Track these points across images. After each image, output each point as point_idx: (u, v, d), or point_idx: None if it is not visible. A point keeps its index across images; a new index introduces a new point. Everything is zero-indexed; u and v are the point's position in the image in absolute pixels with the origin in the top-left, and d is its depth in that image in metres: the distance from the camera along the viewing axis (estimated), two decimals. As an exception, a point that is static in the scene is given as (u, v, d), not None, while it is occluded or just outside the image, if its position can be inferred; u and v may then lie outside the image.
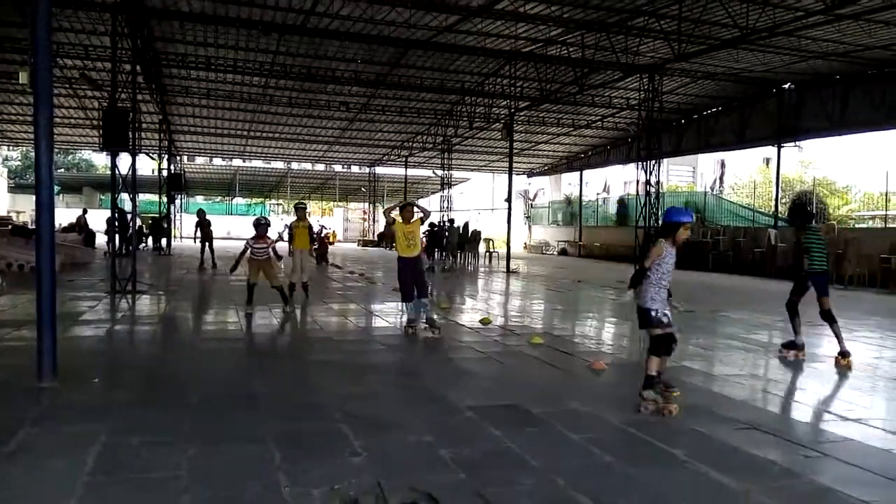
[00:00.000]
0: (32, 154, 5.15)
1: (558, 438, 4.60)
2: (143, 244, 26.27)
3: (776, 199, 24.18)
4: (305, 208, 12.20)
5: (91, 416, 4.68)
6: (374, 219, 43.75)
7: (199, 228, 18.97)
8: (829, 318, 7.33)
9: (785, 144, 23.39)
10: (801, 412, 5.56)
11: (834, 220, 23.36)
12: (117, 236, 17.47)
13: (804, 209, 8.58)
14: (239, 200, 52.43)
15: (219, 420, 4.76)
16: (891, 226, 20.72)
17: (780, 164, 24.18)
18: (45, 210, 5.53)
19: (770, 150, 26.42)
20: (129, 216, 24.17)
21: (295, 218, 11.70)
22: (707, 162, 43.00)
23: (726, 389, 6.19)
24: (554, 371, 6.93)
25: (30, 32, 5.66)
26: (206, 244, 18.75)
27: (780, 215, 23.97)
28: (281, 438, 4.34)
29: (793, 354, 7.61)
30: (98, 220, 28.66)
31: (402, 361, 7.16)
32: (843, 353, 7.27)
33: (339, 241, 42.34)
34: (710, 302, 13.46)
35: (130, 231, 14.81)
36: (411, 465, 3.96)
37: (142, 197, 42.40)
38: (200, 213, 19.62)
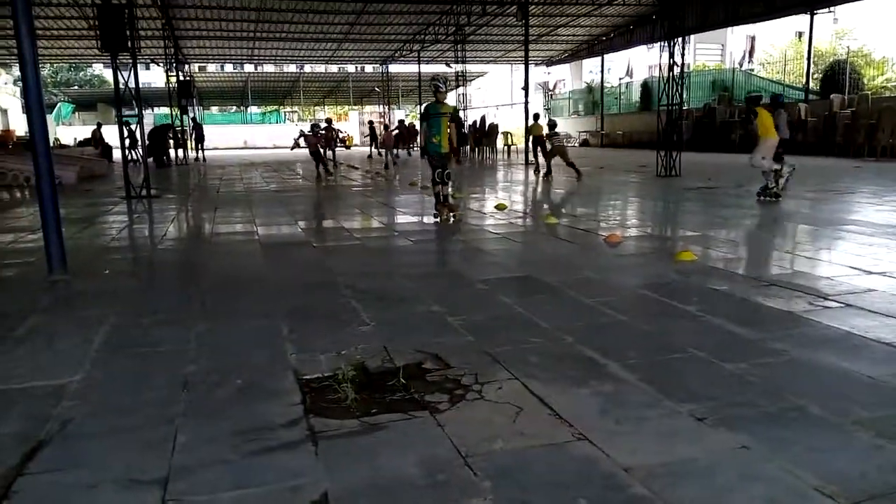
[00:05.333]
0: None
1: (570, 303, 4.51)
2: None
3: (807, 73, 22.96)
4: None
5: (101, 302, 4.69)
6: (389, 121, 42.90)
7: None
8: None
9: (818, 11, 21.92)
10: (825, 269, 5.38)
11: (868, 91, 22.16)
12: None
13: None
14: (253, 110, 51.71)
15: (228, 301, 4.74)
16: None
17: (813, 34, 22.77)
18: (35, 115, 5.43)
19: (803, 23, 24.85)
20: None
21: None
22: (736, 40, 40.85)
23: (750, 253, 6.02)
24: (569, 246, 6.81)
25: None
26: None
27: (811, 88, 22.88)
28: (290, 314, 4.32)
29: None
30: (114, 134, 28.56)
31: (414, 244, 7.07)
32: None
33: (356, 146, 41.83)
34: (735, 179, 13.06)
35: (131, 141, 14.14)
36: (420, 332, 3.90)
37: (157, 111, 42.12)
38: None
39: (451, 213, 8.32)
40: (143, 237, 8.38)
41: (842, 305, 4.20)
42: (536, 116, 17.95)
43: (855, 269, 5.21)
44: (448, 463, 2.35)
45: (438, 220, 8.30)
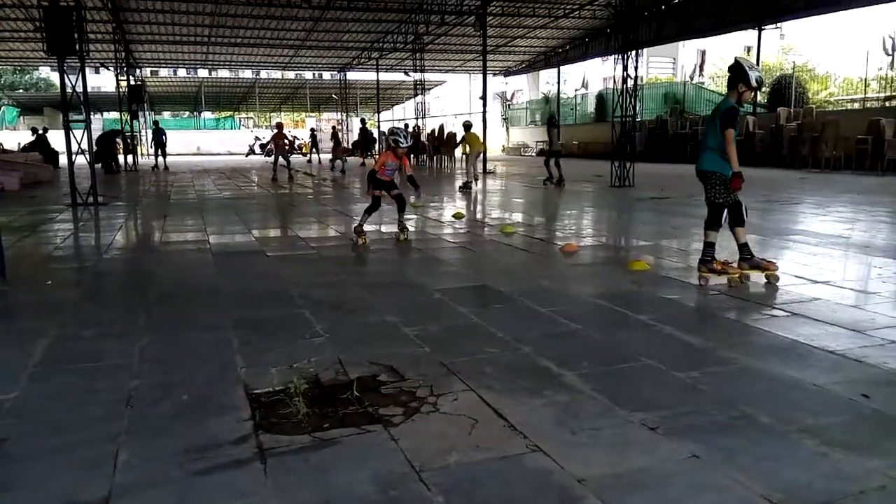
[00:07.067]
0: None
1: (526, 312, 4.52)
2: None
3: (756, 86, 23.68)
4: None
5: (41, 314, 4.50)
6: (348, 128, 42.61)
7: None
8: None
9: (766, 27, 22.70)
10: (772, 279, 5.52)
11: (813, 105, 23.01)
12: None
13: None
14: (207, 115, 50.74)
15: (176, 312, 4.60)
16: (869, 106, 20.48)
17: (761, 48, 23.55)
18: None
19: (751, 38, 25.69)
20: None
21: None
22: (688, 54, 42.05)
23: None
24: (525, 255, 6.84)
25: None
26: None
27: (759, 102, 23.60)
28: (240, 325, 4.21)
29: None
30: (59, 140, 27.62)
31: (367, 254, 7.01)
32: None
33: (313, 153, 41.32)
34: (686, 189, 13.35)
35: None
36: (375, 343, 3.85)
37: (107, 115, 40.91)
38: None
39: (769, 275, 5.15)
40: (88, 246, 8.10)
41: (789, 314, 4.31)
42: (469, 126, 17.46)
43: (801, 278, 5.37)
44: (401, 478, 2.31)
45: (703, 283, 5.07)
